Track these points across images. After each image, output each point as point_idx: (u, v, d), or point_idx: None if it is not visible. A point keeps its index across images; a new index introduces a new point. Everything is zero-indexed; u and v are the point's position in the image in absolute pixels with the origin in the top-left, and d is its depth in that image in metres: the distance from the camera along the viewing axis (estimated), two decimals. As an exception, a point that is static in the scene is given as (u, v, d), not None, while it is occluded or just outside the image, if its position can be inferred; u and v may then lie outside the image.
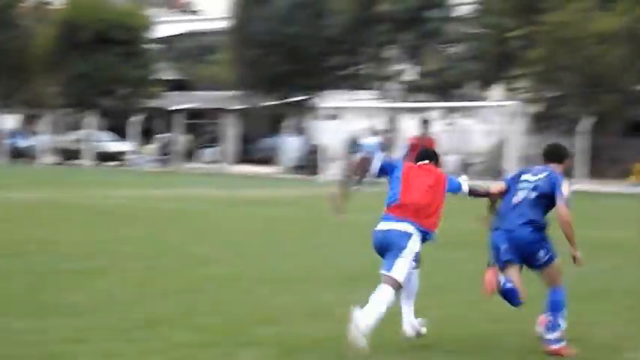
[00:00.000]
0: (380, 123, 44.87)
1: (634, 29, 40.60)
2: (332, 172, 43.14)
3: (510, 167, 35.68)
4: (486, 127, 49.29)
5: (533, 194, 7.82)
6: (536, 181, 7.88)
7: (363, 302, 9.41)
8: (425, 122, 18.75)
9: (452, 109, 44.39)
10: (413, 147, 16.99)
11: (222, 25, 58.48)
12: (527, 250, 7.65)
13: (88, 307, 8.83)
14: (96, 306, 8.94)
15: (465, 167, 44.67)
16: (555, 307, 7.56)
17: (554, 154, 8.14)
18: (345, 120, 43.38)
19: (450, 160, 44.93)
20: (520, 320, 8.41)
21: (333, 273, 11.57)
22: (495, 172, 43.22)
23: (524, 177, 8.00)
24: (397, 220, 7.59)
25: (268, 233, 16.45)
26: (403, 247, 7.51)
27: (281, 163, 45.57)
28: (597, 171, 47.51)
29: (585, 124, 39.01)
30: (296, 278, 11.04)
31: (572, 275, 11.92)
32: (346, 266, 12.25)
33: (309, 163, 44.96)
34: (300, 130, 47.55)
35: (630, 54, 40.84)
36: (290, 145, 45.17)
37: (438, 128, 47.94)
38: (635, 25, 40.53)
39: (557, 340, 7.50)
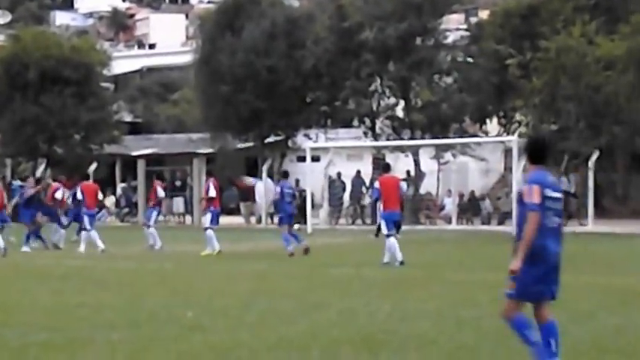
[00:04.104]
0: (366, 164, 44.45)
1: (640, 53, 40.54)
2: (319, 219, 42.41)
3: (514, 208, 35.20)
4: (483, 165, 49.02)
5: None
6: None
7: None
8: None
9: (446, 147, 44.07)
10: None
11: (184, 59, 57.81)
12: None
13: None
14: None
15: (474, 209, 44.19)
16: None
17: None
18: (329, 161, 42.83)
19: (447, 202, 44.50)
20: None
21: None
22: (501, 216, 42.74)
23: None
24: None
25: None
26: None
27: (258, 211, 44.74)
28: (604, 210, 47.27)
29: (593, 158, 38.87)
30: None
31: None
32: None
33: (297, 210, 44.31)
34: (284, 174, 46.71)
35: (637, 80, 40.75)
36: (269, 191, 44.47)
37: (431, 167, 47.59)
38: (642, 48, 40.49)
39: None
